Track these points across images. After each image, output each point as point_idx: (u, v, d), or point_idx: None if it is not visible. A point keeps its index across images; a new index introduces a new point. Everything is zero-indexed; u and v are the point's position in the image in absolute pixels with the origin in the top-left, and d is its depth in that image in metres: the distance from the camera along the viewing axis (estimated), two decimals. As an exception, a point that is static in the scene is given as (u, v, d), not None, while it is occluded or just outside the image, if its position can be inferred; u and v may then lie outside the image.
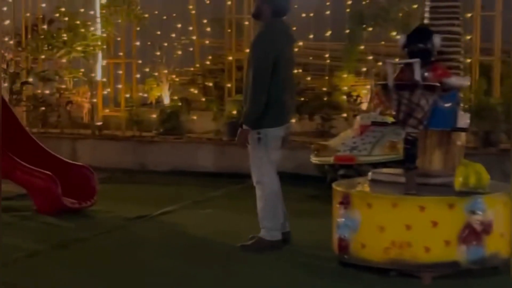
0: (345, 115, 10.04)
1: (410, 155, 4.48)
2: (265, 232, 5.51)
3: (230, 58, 10.89)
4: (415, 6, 9.85)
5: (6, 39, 11.82)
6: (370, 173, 5.22)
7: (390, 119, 7.82)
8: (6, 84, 11.20)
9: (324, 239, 5.50)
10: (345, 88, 10.71)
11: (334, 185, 4.94)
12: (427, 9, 5.25)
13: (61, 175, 7.37)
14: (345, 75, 10.59)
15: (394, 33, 10.36)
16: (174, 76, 11.74)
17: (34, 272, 5.42)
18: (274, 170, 5.63)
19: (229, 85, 10.81)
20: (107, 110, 11.34)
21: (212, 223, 7.08)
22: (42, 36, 10.86)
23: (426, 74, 4.40)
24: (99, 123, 10.76)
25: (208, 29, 11.75)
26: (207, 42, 11.87)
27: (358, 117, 8.74)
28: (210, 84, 11.40)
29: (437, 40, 4.50)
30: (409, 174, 4.39)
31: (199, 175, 9.81)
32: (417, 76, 4.37)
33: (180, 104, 10.82)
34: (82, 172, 7.73)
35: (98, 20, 10.72)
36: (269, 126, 5.40)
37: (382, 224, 4.12)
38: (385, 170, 5.45)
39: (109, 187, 8.76)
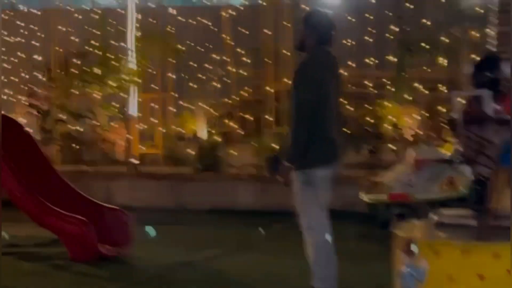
0: (393, 146, 9.79)
1: (481, 196, 4.10)
2: (318, 282, 5.20)
3: (269, 89, 10.69)
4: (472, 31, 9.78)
5: (38, 74, 12.00)
6: (433, 215, 4.49)
7: (446, 152, 7.96)
8: (37, 122, 11.42)
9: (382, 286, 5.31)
10: (391, 118, 10.50)
11: (395, 230, 4.28)
12: (494, 35, 5.24)
13: (95, 219, 7.15)
14: (389, 104, 10.40)
15: (441, 59, 10.31)
16: (211, 109, 11.69)
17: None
18: (325, 214, 5.28)
19: (268, 117, 10.66)
20: (143, 148, 11.16)
21: (259, 269, 6.79)
22: (75, 71, 10.85)
23: (496, 106, 4.03)
24: (136, 161, 10.57)
25: (245, 59, 11.53)
26: (244, 73, 11.57)
27: (411, 150, 8.43)
28: (249, 117, 11.31)
29: (506, 68, 4.10)
30: (481, 218, 3.99)
31: (239, 214, 9.53)
32: (488, 109, 4.00)
33: (218, 138, 10.63)
34: (118, 216, 7.46)
35: (133, 53, 10.58)
36: (316, 166, 5.06)
37: (452, 274, 3.68)
38: (450, 211, 4.79)
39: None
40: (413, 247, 4.02)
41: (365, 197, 7.90)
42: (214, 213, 9.66)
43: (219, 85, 11.64)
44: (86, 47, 11.19)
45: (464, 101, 4.32)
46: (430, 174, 7.79)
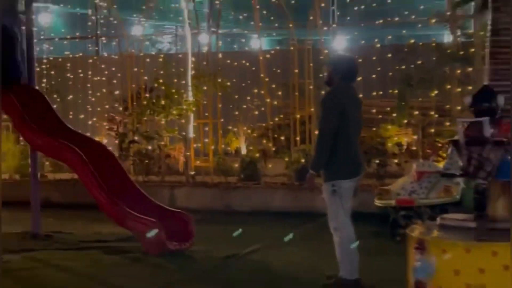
0: (396, 160, 9.65)
1: (480, 203, 4.04)
2: (344, 272, 5.17)
3: (296, 115, 10.66)
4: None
5: (116, 105, 12.16)
6: (438, 219, 4.46)
7: (440, 166, 7.88)
8: (116, 142, 11.51)
9: (396, 278, 4.95)
10: (395, 138, 10.38)
11: (408, 231, 4.31)
12: (486, 71, 5.18)
13: (162, 220, 7.06)
14: (389, 126, 10.32)
15: (434, 92, 10.10)
16: (249, 131, 11.62)
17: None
18: (349, 217, 5.25)
19: (295, 137, 10.63)
20: (198, 162, 11.15)
21: (295, 261, 6.70)
22: (145, 102, 10.88)
23: (492, 130, 3.95)
24: (192, 173, 10.61)
25: (278, 92, 11.57)
26: (276, 103, 11.56)
27: (414, 164, 8.29)
28: (280, 137, 11.25)
29: (501, 99, 4.07)
30: (480, 221, 3.93)
31: (275, 215, 9.37)
32: (487, 133, 3.93)
33: (256, 154, 10.63)
34: (181, 217, 7.37)
35: (190, 88, 10.62)
36: (342, 178, 5.02)
37: (457, 268, 3.64)
38: (453, 215, 4.68)
39: (202, 228, 8.24)
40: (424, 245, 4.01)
41: (377, 202, 7.78)
42: (255, 214, 9.51)
43: (257, 113, 11.62)
44: (154, 84, 11.22)
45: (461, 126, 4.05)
46: (429, 183, 7.65)
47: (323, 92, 6.36)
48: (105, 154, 8.20)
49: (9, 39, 8.18)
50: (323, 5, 11.20)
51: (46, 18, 16.87)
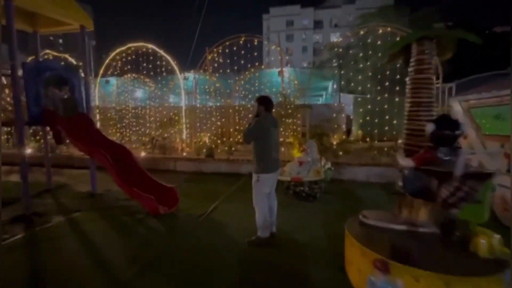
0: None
1: (450, 230, 4.10)
2: (260, 233, 5.87)
3: (229, 128, 14.47)
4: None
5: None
6: (361, 216, 4.82)
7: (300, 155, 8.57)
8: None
9: (301, 226, 6.70)
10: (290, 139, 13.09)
11: (346, 228, 4.57)
12: (408, 103, 5.12)
13: (160, 193, 8.09)
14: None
15: None
16: (209, 134, 16.38)
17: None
18: (265, 198, 5.75)
19: (229, 138, 14.59)
20: (187, 148, 14.91)
21: (234, 212, 7.72)
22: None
23: (454, 158, 3.82)
24: (184, 153, 13.84)
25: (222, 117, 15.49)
26: (219, 123, 15.93)
27: (296, 158, 9.15)
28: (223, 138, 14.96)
29: (430, 126, 4.07)
30: (460, 249, 3.86)
31: (222, 175, 12.03)
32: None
33: (213, 145, 14.15)
34: (171, 190, 8.29)
35: (183, 117, 14.43)
36: (265, 172, 5.65)
37: None
38: (372, 213, 4.81)
39: (188, 185, 10.53)
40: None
41: (279, 178, 7.98)
42: (213, 174, 12.19)
43: (213, 128, 16.52)
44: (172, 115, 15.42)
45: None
46: (306, 167, 8.43)
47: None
48: (125, 153, 8.89)
49: (71, 86, 9.20)
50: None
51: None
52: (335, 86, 26.16)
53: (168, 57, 15.35)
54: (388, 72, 14.78)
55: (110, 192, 9.66)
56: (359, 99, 19.91)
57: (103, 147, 8.46)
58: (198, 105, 16.93)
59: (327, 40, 75.25)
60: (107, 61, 16.41)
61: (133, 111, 18.38)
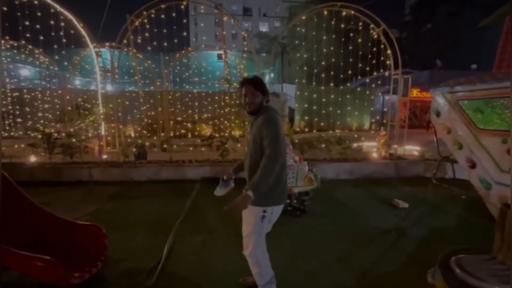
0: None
1: None
2: (262, 282, 4.36)
3: (159, 120, 13.01)
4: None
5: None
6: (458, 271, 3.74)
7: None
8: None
9: (304, 268, 5.41)
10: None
11: None
12: None
13: (68, 238, 5.43)
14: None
15: None
16: (136, 126, 15.27)
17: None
18: (264, 240, 4.30)
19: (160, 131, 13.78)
20: (109, 148, 12.61)
21: (205, 259, 5.66)
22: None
23: None
24: (105, 156, 11.73)
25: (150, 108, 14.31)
26: (148, 113, 14.25)
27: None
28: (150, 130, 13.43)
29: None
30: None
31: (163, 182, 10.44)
32: None
33: (147, 143, 12.30)
34: (91, 231, 5.41)
35: (100, 104, 12.07)
36: (275, 204, 4.10)
37: None
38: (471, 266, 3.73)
39: (115, 203, 8.50)
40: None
41: None
42: (160, 184, 10.38)
43: (138, 116, 15.35)
44: (80, 102, 12.88)
45: None
46: (292, 173, 7.48)
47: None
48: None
49: None
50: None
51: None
52: (272, 75, 26.18)
53: (71, 16, 11.26)
54: (333, 60, 15.04)
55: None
56: (302, 89, 20.35)
57: None
58: (123, 89, 15.14)
59: (256, 29, 76.38)
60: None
61: (14, 94, 16.04)
